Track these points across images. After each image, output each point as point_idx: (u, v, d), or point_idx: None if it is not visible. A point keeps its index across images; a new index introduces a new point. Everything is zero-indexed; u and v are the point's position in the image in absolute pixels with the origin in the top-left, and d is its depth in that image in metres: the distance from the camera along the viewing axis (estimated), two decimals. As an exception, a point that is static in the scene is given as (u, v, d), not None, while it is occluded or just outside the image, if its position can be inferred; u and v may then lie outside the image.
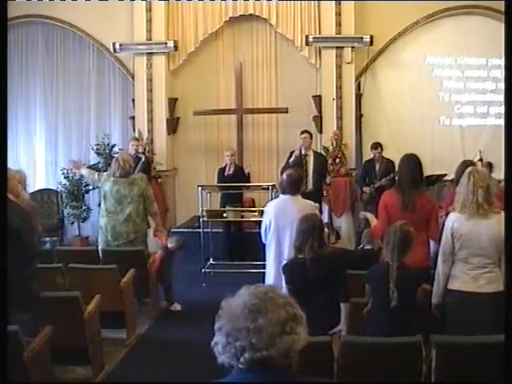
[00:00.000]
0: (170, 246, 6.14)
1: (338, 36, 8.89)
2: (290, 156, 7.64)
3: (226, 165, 8.07)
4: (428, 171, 6.60)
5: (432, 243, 4.39)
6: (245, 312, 1.54)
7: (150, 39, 9.18)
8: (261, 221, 5.24)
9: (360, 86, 9.23)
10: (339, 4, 8.84)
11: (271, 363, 1.53)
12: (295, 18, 9.01)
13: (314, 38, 8.88)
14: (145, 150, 8.85)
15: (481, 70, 9.25)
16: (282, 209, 4.84)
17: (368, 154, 8.64)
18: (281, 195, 5.04)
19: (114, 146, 9.23)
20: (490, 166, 8.10)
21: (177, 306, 6.16)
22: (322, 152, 8.55)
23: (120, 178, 6.10)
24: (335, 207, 8.45)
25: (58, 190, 9.44)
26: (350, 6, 8.83)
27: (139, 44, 9.20)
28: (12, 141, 9.43)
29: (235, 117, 9.13)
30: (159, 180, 9.07)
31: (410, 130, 9.18)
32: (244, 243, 7.84)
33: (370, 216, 4.84)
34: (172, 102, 9.43)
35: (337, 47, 8.91)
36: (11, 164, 5.03)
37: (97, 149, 9.16)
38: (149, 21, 9.15)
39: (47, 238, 8.27)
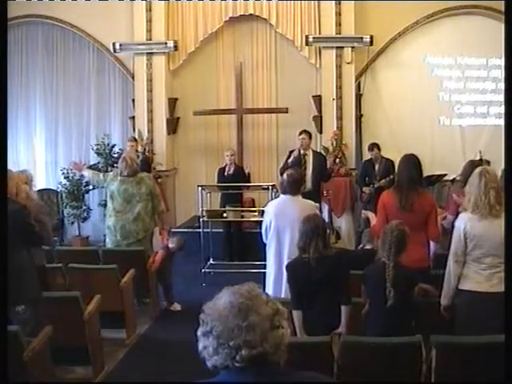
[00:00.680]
0: (170, 246, 6.15)
1: (338, 36, 8.88)
2: (289, 156, 7.63)
3: (225, 165, 8.07)
4: (428, 171, 6.62)
5: (432, 244, 4.37)
6: (233, 311, 1.55)
7: (150, 39, 9.17)
8: (261, 221, 5.26)
9: (360, 86, 9.21)
10: (339, 4, 8.83)
11: (266, 359, 1.55)
12: (295, 17, 9.00)
13: (314, 38, 8.87)
14: (145, 150, 8.86)
15: (481, 70, 9.23)
16: (282, 209, 4.84)
17: (368, 154, 8.63)
18: (281, 195, 5.05)
19: (114, 146, 9.24)
20: (487, 164, 8.09)
21: (177, 306, 6.15)
22: (322, 152, 8.55)
23: (127, 177, 6.10)
24: (335, 207, 8.44)
25: (58, 190, 9.45)
26: (350, 6, 8.82)
27: (139, 44, 9.20)
28: (12, 141, 9.42)
29: (235, 117, 9.13)
30: (159, 180, 9.05)
31: (410, 130, 9.16)
32: (244, 243, 7.84)
33: (371, 215, 4.82)
34: (172, 102, 9.43)
35: (337, 47, 8.90)
36: (11, 164, 5.01)
37: (97, 149, 9.16)
38: (149, 21, 9.14)
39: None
